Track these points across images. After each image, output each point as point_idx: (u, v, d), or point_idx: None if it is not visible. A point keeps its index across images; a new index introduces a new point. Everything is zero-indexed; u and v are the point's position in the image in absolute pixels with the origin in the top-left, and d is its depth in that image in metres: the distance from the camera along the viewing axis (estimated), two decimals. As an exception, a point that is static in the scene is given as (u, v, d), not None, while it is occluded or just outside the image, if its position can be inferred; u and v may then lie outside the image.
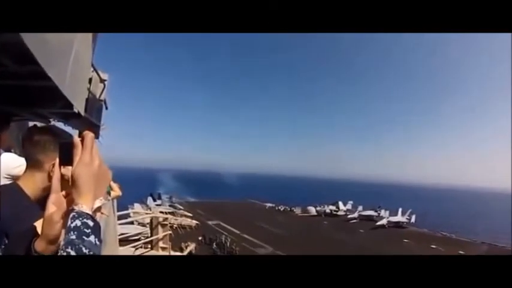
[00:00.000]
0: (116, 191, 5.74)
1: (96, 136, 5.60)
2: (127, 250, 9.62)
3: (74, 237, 0.98)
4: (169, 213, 47.14)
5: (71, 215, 1.04)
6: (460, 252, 39.85)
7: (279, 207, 76.80)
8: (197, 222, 47.95)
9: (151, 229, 11.62)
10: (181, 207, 60.25)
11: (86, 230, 1.00)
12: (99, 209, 1.13)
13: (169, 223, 14.02)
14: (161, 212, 18.15)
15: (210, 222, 51.37)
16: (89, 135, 1.13)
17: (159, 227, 11.52)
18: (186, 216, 51.08)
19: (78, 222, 1.01)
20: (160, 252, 11.22)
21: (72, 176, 1.09)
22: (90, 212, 1.06)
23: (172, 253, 12.23)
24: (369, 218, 61.98)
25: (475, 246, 44.87)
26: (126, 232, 13.30)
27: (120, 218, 9.26)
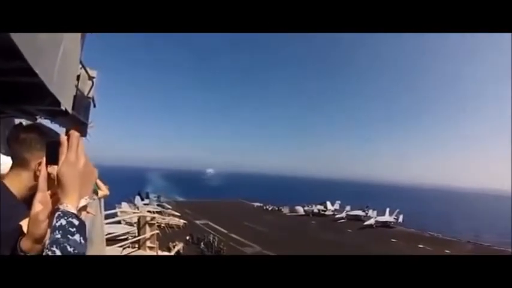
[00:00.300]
0: (103, 190, 5.68)
1: (84, 134, 5.54)
2: (114, 250, 9.50)
3: (59, 236, 0.99)
4: (157, 212, 46.86)
5: (56, 214, 1.04)
6: (446, 251, 40.70)
7: (267, 207, 77.24)
8: (185, 221, 47.96)
9: (139, 228, 11.52)
10: (169, 206, 59.93)
11: (71, 229, 1.01)
12: (84, 208, 1.13)
13: (157, 222, 13.93)
14: (149, 212, 18.04)
15: (198, 222, 51.43)
16: (74, 134, 1.14)
17: (147, 226, 11.41)
18: (174, 215, 51.03)
19: (63, 221, 1.01)
20: (148, 252, 11.12)
21: (57, 175, 1.09)
22: (75, 211, 1.07)
23: (160, 253, 12.13)
24: (357, 218, 62.60)
25: (460, 245, 45.76)
26: (114, 232, 13.17)
27: (107, 217, 9.17)
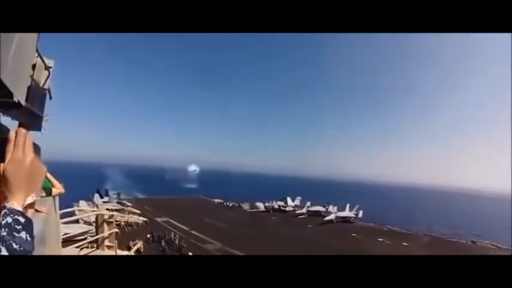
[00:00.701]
0: (58, 188, 5.44)
1: (39, 128, 5.23)
2: (71, 250, 9.21)
3: (4, 233, 1.00)
4: (117, 210, 45.76)
5: (2, 212, 1.05)
6: (404, 243, 42.96)
7: (228, 203, 77.77)
8: (145, 219, 47.15)
9: (97, 227, 11.33)
10: (129, 204, 58.45)
11: (16, 226, 1.03)
12: (31, 205, 1.15)
13: (116, 221, 13.55)
14: (107, 209, 17.51)
15: (158, 219, 50.70)
16: (22, 131, 1.15)
17: (105, 225, 11.20)
18: (133, 213, 50.08)
19: (9, 219, 1.03)
20: (106, 252, 10.89)
21: (3, 173, 1.10)
22: (21, 209, 1.08)
23: (119, 252, 11.91)
24: (317, 214, 64.20)
25: (417, 238, 48.61)
26: (70, 232, 12.70)
27: (63, 216, 8.83)
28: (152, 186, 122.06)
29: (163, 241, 35.89)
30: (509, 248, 42.90)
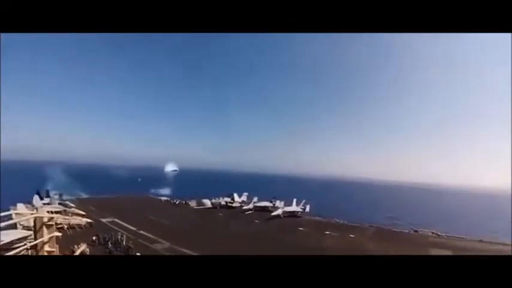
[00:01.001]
0: None
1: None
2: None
3: None
4: (58, 212, 43.52)
5: None
6: (351, 235, 45.64)
7: (175, 201, 78.01)
8: (90, 220, 45.47)
9: (35, 232, 10.84)
10: (72, 205, 55.60)
11: None
12: None
13: (57, 223, 13.10)
14: (48, 212, 16.81)
15: (104, 220, 49.27)
16: None
17: (44, 228, 10.76)
18: (77, 214, 47.97)
19: None
20: (46, 257, 10.51)
21: None
22: None
23: (60, 257, 11.53)
24: (264, 209, 65.68)
25: (363, 229, 51.66)
26: (6, 239, 12.10)
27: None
28: (97, 185, 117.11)
29: (110, 243, 34.88)
30: (448, 235, 47.17)
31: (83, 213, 48.75)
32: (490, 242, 41.40)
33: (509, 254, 32.37)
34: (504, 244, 39.87)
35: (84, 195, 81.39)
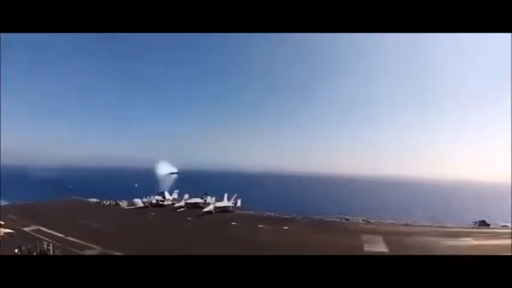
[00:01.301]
0: None
1: None
2: None
3: None
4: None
5: None
6: (285, 227, 48.27)
7: (104, 202, 75.76)
8: (10, 230, 42.08)
9: None
10: (-13, 214, 50.98)
11: None
12: None
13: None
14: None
15: (27, 229, 45.98)
16: None
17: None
18: (-5, 225, 43.98)
19: None
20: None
21: None
22: None
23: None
24: (196, 206, 66.85)
25: (297, 221, 54.49)
26: None
27: None
28: (16, 189, 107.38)
29: (34, 254, 32.89)
30: (378, 221, 53.36)
31: (2, 222, 45.06)
32: (413, 225, 51.08)
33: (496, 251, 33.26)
34: (424, 226, 50.71)
35: (4, 202, 74.21)
